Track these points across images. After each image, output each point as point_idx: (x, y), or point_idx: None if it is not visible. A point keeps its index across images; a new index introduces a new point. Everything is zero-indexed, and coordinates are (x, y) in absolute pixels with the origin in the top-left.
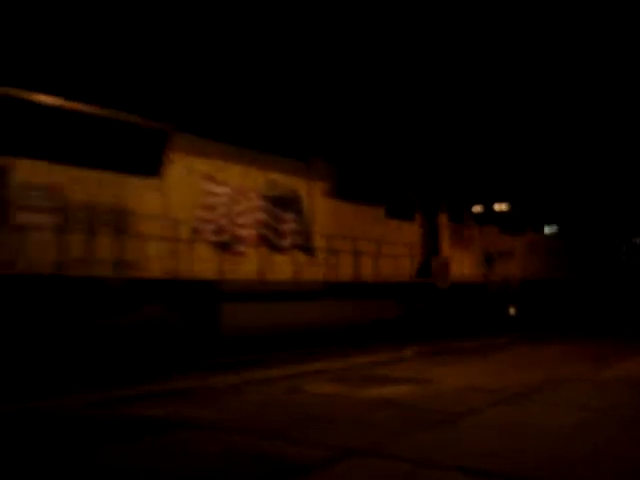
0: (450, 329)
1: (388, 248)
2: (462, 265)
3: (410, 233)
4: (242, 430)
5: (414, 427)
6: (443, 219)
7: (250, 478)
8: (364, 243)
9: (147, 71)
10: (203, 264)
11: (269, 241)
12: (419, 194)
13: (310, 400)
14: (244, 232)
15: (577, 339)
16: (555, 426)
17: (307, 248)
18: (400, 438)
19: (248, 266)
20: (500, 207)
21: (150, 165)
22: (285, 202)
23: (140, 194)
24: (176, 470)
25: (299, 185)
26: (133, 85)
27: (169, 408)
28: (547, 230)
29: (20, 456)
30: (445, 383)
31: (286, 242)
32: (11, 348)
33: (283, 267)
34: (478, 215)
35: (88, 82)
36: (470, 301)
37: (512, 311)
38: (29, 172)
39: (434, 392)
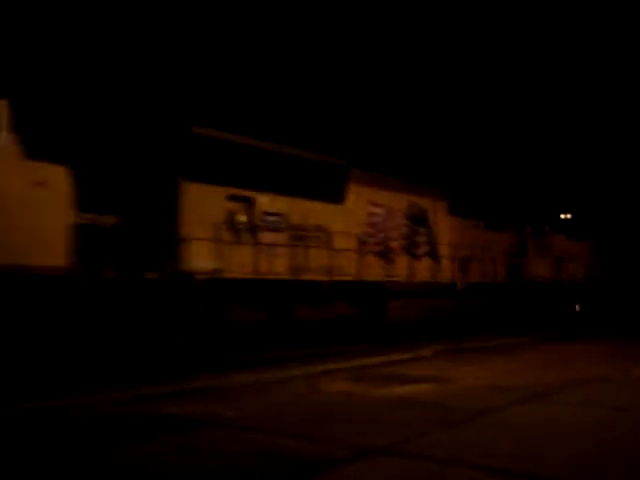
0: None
1: (488, 253)
2: (541, 267)
3: (503, 242)
4: (261, 429)
5: (433, 426)
6: (528, 230)
7: (269, 476)
8: (472, 250)
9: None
10: (372, 269)
11: (410, 250)
12: (510, 211)
13: (329, 399)
14: (394, 243)
15: (607, 338)
16: (579, 426)
17: (434, 256)
18: (419, 437)
19: (399, 270)
20: (565, 216)
21: (337, 194)
22: (419, 219)
23: (332, 216)
24: (194, 469)
25: (427, 205)
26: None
27: (189, 406)
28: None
29: (43, 453)
30: (465, 382)
31: (421, 251)
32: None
33: (421, 271)
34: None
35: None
36: (547, 297)
37: (577, 307)
38: (267, 203)
39: (453, 391)
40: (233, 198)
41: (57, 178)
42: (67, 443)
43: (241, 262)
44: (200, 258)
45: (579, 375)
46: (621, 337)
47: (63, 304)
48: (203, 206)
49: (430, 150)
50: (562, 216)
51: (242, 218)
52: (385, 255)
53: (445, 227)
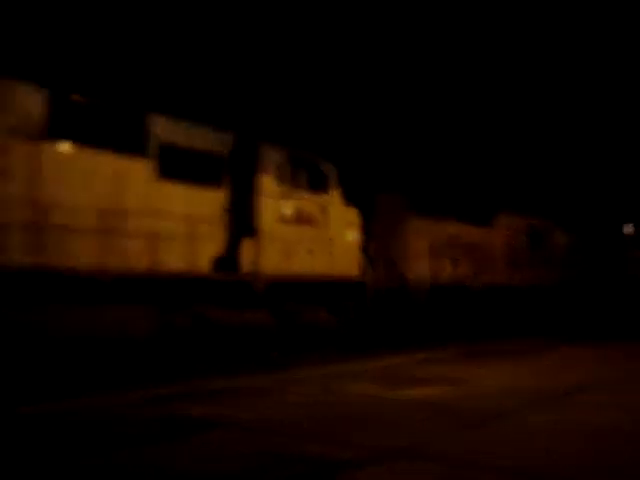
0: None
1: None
2: None
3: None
4: (277, 431)
5: (451, 428)
6: None
7: (286, 478)
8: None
9: None
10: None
11: None
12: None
13: (345, 400)
14: None
15: (620, 340)
16: (595, 428)
17: None
18: (437, 439)
19: None
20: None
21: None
22: None
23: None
24: (209, 471)
25: None
26: None
27: (204, 408)
28: None
29: (57, 455)
30: (481, 385)
31: None
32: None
33: None
34: None
35: None
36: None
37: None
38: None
39: (469, 393)
40: None
41: (356, 220)
42: (79, 445)
43: None
44: None
45: (594, 377)
46: (634, 339)
47: None
48: None
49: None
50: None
51: None
52: None
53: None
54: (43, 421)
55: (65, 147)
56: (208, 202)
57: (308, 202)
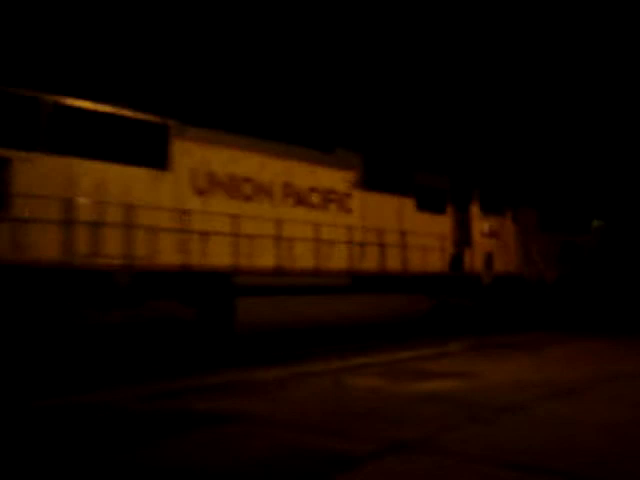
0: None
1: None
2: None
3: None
4: (288, 424)
5: (462, 422)
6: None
7: (297, 472)
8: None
9: None
10: None
11: None
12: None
13: (356, 394)
14: None
15: (631, 333)
16: (605, 423)
17: None
18: (448, 433)
19: None
20: None
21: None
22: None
23: None
24: (223, 464)
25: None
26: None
27: (217, 401)
28: None
29: (71, 449)
30: (492, 378)
31: None
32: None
33: None
34: None
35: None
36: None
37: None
38: None
39: (480, 387)
40: None
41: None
42: (95, 439)
43: None
44: None
45: (606, 370)
46: None
47: None
48: None
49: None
50: None
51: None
52: None
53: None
54: (58, 414)
55: (373, 194)
56: (440, 224)
57: (494, 222)
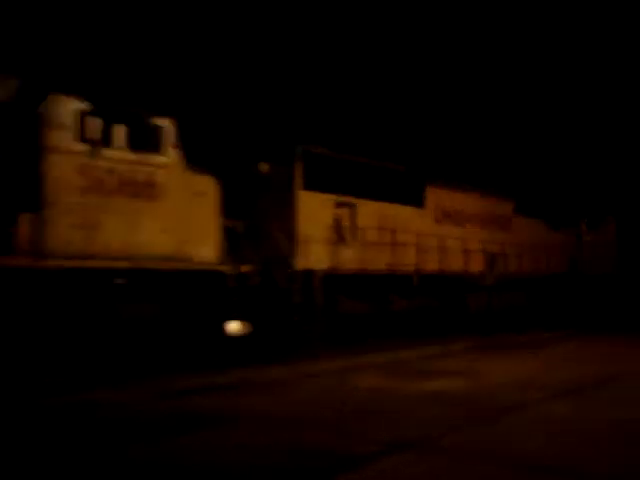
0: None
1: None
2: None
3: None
4: (293, 423)
5: (465, 422)
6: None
7: (300, 470)
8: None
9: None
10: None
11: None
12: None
13: (360, 393)
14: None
15: (625, 334)
16: (608, 422)
17: None
18: (451, 433)
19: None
20: None
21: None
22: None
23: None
24: (227, 462)
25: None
26: None
27: (221, 400)
28: None
29: (78, 446)
30: (495, 378)
31: None
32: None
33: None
34: None
35: None
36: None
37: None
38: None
39: (483, 387)
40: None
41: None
42: (98, 436)
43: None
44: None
45: (611, 370)
46: None
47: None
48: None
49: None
50: None
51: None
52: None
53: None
54: (64, 413)
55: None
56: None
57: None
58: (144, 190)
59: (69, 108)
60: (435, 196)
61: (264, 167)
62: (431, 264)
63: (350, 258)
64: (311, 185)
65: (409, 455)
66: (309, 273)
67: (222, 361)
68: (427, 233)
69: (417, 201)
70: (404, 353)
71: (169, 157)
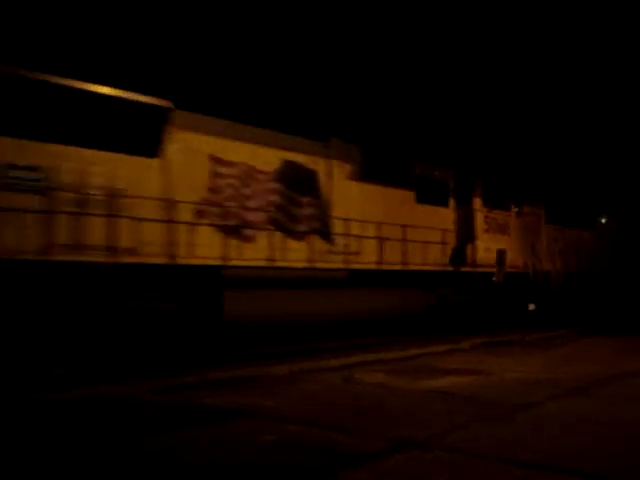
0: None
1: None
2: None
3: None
4: (296, 420)
5: (471, 420)
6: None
7: (303, 467)
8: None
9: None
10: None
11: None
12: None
13: (365, 391)
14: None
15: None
16: (618, 421)
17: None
18: (457, 431)
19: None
20: None
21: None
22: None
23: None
24: (230, 459)
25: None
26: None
27: (225, 397)
28: None
29: (80, 440)
30: (502, 376)
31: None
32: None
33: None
34: None
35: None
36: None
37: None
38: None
39: (490, 385)
40: None
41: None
42: (102, 431)
43: None
44: None
45: (618, 369)
46: None
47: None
48: None
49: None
50: None
51: None
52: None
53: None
54: (72, 408)
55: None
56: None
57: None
58: (504, 229)
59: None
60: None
61: None
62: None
63: None
64: None
65: (414, 453)
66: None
67: (222, 358)
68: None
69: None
70: (411, 350)
71: (512, 210)
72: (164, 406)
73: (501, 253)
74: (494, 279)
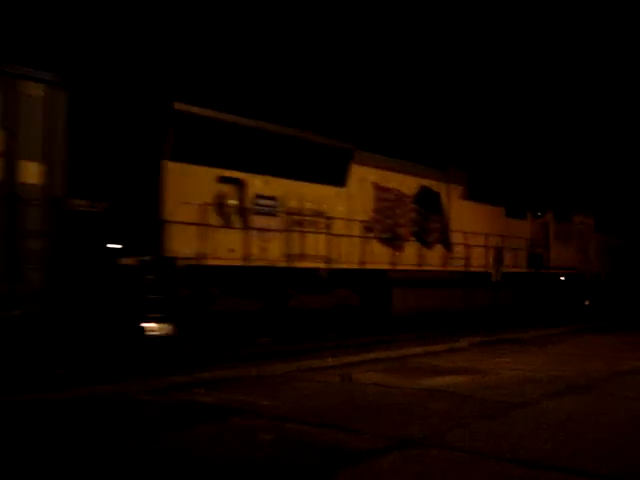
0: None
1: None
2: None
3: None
4: (295, 418)
5: (470, 418)
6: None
7: (302, 466)
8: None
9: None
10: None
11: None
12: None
13: (363, 389)
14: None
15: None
16: (616, 419)
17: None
18: (456, 429)
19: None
20: None
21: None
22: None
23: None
24: (229, 457)
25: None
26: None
27: (223, 395)
28: None
29: (78, 440)
30: (501, 374)
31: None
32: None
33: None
34: None
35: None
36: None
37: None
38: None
39: (489, 383)
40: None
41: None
42: (100, 430)
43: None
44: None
45: (616, 367)
46: None
47: None
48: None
49: (445, 130)
50: None
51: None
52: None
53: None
54: (70, 407)
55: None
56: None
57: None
58: (568, 237)
59: None
60: None
61: None
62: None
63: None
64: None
65: (413, 451)
66: None
67: (222, 357)
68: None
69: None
70: (409, 349)
71: (575, 221)
72: (162, 405)
73: (499, 251)
74: (492, 279)
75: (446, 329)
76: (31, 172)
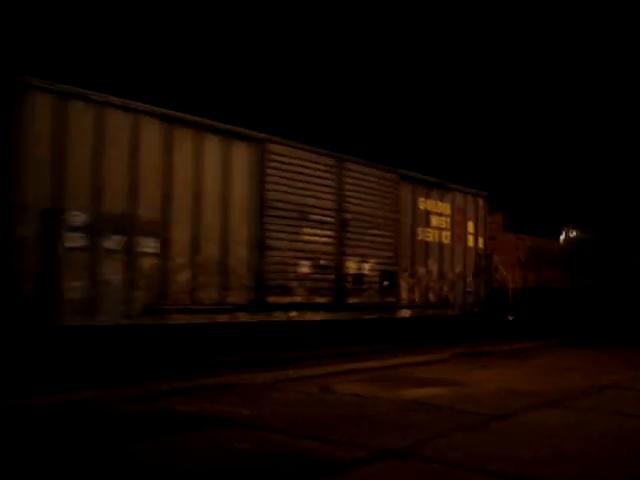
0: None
1: None
2: None
3: None
4: (273, 428)
5: (449, 430)
6: None
7: (279, 477)
8: None
9: None
10: None
11: None
12: None
13: (342, 400)
14: None
15: (620, 344)
16: (594, 433)
17: None
18: (435, 441)
19: None
20: None
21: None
22: None
23: None
24: (207, 467)
25: None
26: None
27: (202, 404)
28: None
29: (51, 449)
30: (480, 386)
31: None
32: None
33: None
34: None
35: None
36: None
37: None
38: None
39: (469, 395)
40: None
41: None
42: (75, 439)
43: None
44: None
45: (595, 381)
46: (633, 344)
47: None
48: None
49: None
50: None
51: None
52: None
53: None
54: (35, 415)
55: None
56: None
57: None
58: None
59: None
60: None
61: None
62: None
63: None
64: None
65: (392, 462)
66: None
67: (200, 365)
68: None
69: None
70: (388, 360)
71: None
72: (139, 414)
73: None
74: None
75: (426, 341)
76: None
